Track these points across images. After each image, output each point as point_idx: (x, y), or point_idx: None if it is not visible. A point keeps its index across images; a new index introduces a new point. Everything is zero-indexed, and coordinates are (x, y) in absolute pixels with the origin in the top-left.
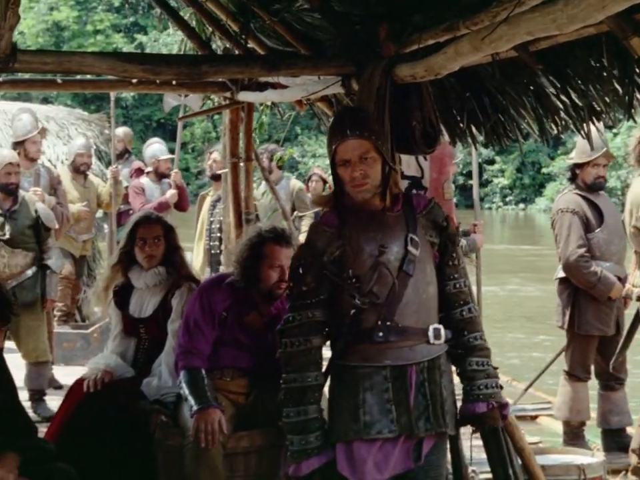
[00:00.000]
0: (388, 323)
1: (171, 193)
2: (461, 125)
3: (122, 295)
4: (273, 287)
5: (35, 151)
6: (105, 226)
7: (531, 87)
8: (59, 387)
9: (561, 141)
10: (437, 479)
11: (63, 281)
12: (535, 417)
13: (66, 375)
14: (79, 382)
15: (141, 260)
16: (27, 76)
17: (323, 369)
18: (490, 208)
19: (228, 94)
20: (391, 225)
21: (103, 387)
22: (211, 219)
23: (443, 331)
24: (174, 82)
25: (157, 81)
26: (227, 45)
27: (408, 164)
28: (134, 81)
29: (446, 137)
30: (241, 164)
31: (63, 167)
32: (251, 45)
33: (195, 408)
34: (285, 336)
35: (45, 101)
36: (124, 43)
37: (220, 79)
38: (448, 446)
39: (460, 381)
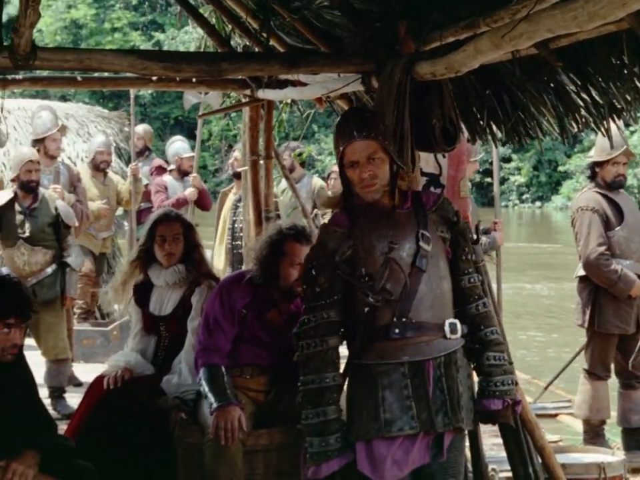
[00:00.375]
0: (403, 319)
1: (190, 191)
2: (481, 123)
3: (142, 293)
4: (293, 285)
5: (54, 148)
6: (125, 223)
7: (551, 85)
8: (78, 384)
9: (577, 139)
10: (455, 476)
11: (83, 278)
12: (555, 415)
13: (85, 372)
14: (99, 379)
15: (161, 258)
16: (44, 73)
17: (341, 369)
18: (506, 206)
19: (248, 91)
20: (401, 222)
21: (123, 384)
22: (234, 219)
23: (459, 326)
24: (194, 79)
25: (177, 79)
26: (247, 43)
27: (426, 161)
28: (154, 78)
29: (465, 135)
30: (261, 161)
31: (82, 165)
32: (270, 42)
33: (214, 405)
34: (302, 338)
35: (63, 98)
36: (141, 41)
37: (240, 77)
38: (467, 443)
39: (476, 376)
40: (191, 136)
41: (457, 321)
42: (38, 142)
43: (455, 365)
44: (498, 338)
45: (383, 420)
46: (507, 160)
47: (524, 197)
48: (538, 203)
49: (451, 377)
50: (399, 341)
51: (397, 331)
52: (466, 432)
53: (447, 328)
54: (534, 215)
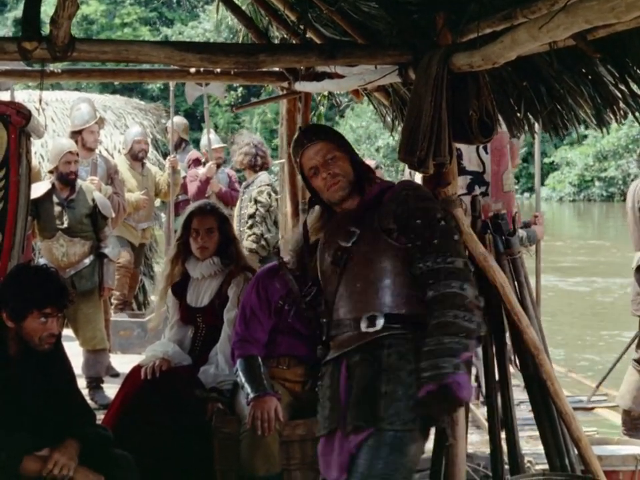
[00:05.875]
0: (329, 320)
1: (208, 166)
2: (518, 114)
3: (179, 284)
4: None
5: (92, 140)
6: (162, 215)
7: (589, 76)
8: (115, 374)
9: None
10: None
11: (121, 270)
12: (592, 409)
13: (122, 363)
14: (137, 369)
15: (195, 250)
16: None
17: None
18: None
19: (285, 84)
20: (343, 224)
21: (160, 375)
22: (241, 205)
23: (380, 319)
24: (232, 72)
25: (215, 71)
26: (284, 35)
27: (469, 159)
28: (192, 70)
29: (503, 127)
30: None
31: (120, 156)
32: (307, 34)
33: (251, 396)
34: None
35: (77, 91)
36: (151, 36)
37: (277, 69)
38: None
39: None
40: (198, 128)
41: (377, 314)
42: (75, 134)
43: (378, 361)
44: (444, 320)
45: (319, 419)
46: None
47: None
48: (527, 194)
49: (370, 374)
50: (330, 341)
51: (326, 330)
52: (400, 433)
53: (363, 322)
54: (523, 207)
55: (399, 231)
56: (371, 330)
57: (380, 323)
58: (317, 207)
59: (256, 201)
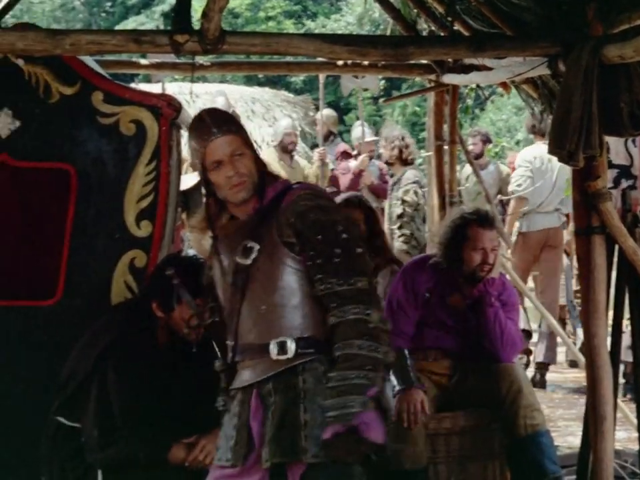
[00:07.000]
0: (234, 343)
1: (361, 159)
2: None
3: None
4: (476, 269)
5: None
6: None
7: None
8: None
9: None
10: None
11: None
12: None
13: None
14: None
15: None
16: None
17: None
18: None
19: (433, 76)
20: (237, 235)
21: None
22: (390, 202)
23: (290, 344)
24: (379, 64)
25: (363, 63)
26: (432, 27)
27: (616, 152)
28: (339, 63)
29: None
30: (445, 147)
31: (269, 149)
32: (456, 26)
33: (397, 388)
34: None
35: (222, 83)
36: (295, 29)
37: (425, 61)
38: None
39: None
40: (341, 121)
41: (287, 339)
42: None
43: (295, 389)
44: (347, 353)
45: (219, 447)
46: None
47: None
48: None
49: (287, 404)
50: (237, 366)
51: (232, 355)
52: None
53: (272, 348)
54: None
55: (300, 247)
56: (282, 357)
57: (291, 348)
58: (202, 205)
59: (403, 201)
